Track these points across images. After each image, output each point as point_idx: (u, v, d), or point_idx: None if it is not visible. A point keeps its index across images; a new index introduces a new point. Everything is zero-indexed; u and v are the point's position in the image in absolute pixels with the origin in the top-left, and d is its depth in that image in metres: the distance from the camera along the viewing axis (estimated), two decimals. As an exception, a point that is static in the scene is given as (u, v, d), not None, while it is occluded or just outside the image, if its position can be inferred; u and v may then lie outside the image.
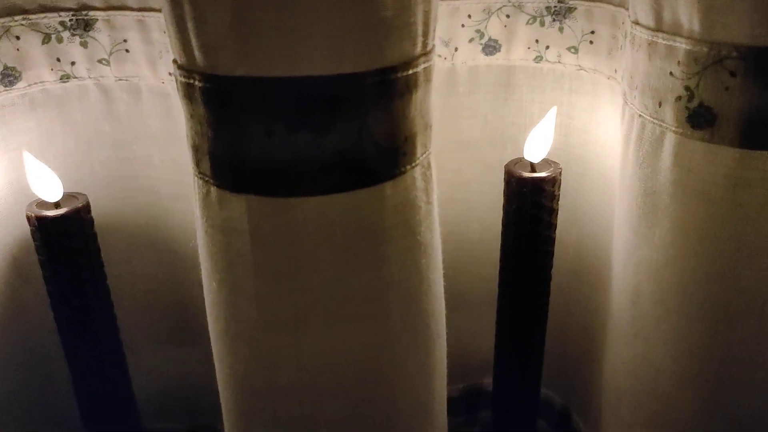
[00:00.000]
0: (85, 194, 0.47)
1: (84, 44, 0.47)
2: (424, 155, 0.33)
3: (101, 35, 0.47)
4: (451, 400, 0.64)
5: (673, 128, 0.36)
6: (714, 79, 0.33)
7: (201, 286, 0.51)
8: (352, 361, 0.33)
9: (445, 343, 0.39)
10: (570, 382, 0.59)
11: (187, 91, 0.30)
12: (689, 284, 0.37)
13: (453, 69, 0.52)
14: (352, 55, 0.28)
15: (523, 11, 0.50)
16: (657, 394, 0.41)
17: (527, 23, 0.50)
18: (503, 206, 0.49)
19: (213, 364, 0.51)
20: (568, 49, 0.50)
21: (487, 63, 0.52)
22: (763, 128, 0.33)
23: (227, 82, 0.28)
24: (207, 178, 0.31)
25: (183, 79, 0.30)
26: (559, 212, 0.50)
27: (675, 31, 0.35)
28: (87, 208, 0.46)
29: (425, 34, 0.31)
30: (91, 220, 0.47)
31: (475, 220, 0.57)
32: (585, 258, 0.54)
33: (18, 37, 0.45)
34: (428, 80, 0.32)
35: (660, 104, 0.37)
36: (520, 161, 0.49)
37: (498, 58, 0.52)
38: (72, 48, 0.47)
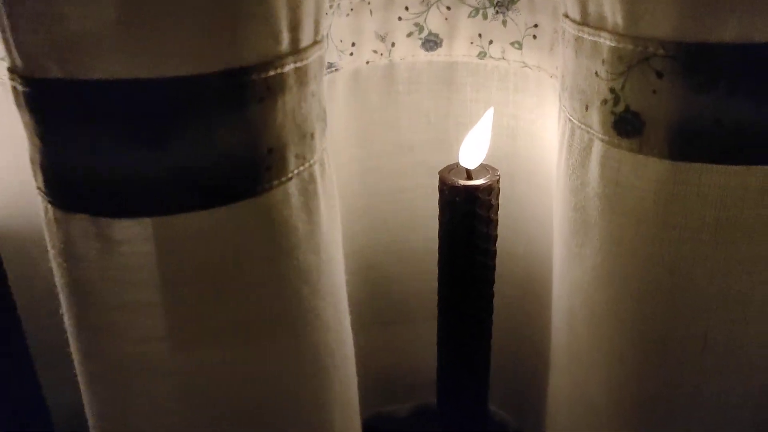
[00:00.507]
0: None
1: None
2: (303, 168, 0.29)
3: None
4: (399, 420, 0.60)
5: (600, 135, 0.32)
6: (640, 80, 0.29)
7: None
8: (230, 398, 0.29)
9: (351, 375, 0.35)
10: (523, 404, 0.55)
11: (15, 96, 0.26)
12: (620, 310, 0.33)
13: (391, 66, 0.48)
14: (191, 54, 0.24)
15: (464, 3, 0.46)
16: (593, 429, 0.37)
17: (469, 16, 0.46)
18: (439, 217, 0.45)
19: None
20: (512, 44, 0.46)
21: (427, 59, 0.48)
22: (695, 138, 0.29)
23: (44, 85, 0.24)
24: (43, 194, 0.27)
25: (10, 82, 0.26)
26: (507, 221, 0.46)
27: (599, 25, 0.31)
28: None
29: (294, 29, 0.27)
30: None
31: (419, 229, 0.53)
32: (534, 271, 0.49)
33: None
34: (304, 83, 0.28)
35: (587, 108, 0.32)
36: (455, 167, 0.44)
37: (439, 54, 0.48)
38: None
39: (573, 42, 0.33)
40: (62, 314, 0.50)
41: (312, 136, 0.30)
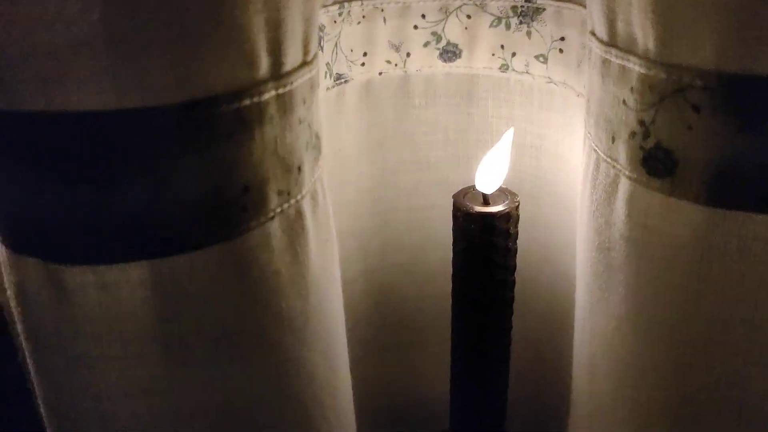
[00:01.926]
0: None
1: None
2: (288, 205, 0.26)
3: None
4: (411, 449, 0.57)
5: (626, 172, 0.28)
6: (674, 114, 0.25)
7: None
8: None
9: (347, 422, 0.32)
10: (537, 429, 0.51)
11: None
12: (647, 369, 0.29)
13: (406, 77, 0.45)
14: (141, 83, 0.21)
15: (485, 11, 0.42)
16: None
17: (491, 25, 0.43)
18: (452, 245, 0.42)
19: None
20: (537, 57, 0.42)
21: (446, 71, 0.45)
22: (735, 183, 0.25)
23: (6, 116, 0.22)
24: None
25: None
26: (530, 245, 0.42)
27: (629, 48, 0.27)
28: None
29: (275, 51, 0.24)
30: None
31: (435, 249, 0.49)
32: (558, 302, 0.46)
33: None
34: (288, 110, 0.25)
35: (613, 139, 0.29)
36: (471, 191, 0.41)
37: (458, 66, 0.44)
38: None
39: (599, 64, 0.29)
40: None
41: (299, 169, 0.26)
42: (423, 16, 0.43)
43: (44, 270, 0.23)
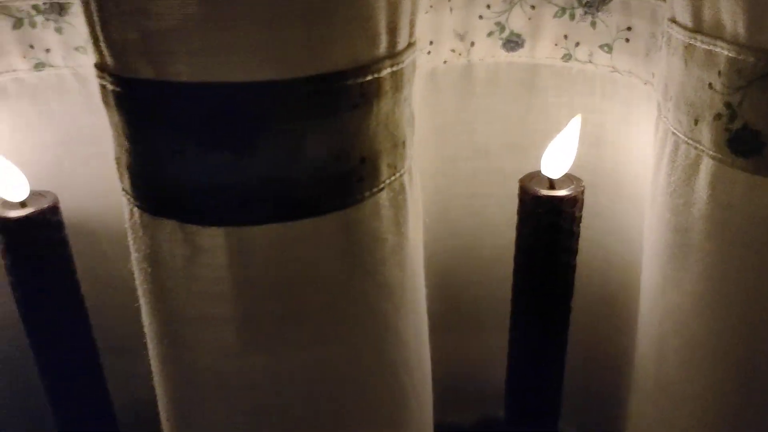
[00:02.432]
0: (54, 193, 0.43)
1: (59, 30, 0.43)
2: (394, 177, 0.27)
3: (77, 20, 0.43)
4: (463, 431, 0.58)
5: (711, 152, 0.29)
6: (762, 96, 0.26)
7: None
8: (293, 420, 0.28)
9: (427, 393, 0.34)
10: (593, 420, 0.52)
11: (103, 94, 0.25)
12: (722, 346, 0.30)
13: (469, 66, 0.46)
14: (279, 58, 0.22)
15: (550, 2, 0.43)
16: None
17: (555, 16, 0.44)
18: (517, 227, 0.43)
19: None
20: (601, 47, 0.43)
21: (508, 60, 0.46)
22: (823, 161, 0.26)
23: (134, 85, 0.23)
24: (129, 197, 0.27)
25: (98, 80, 0.25)
26: (587, 234, 0.43)
27: (716, 34, 0.28)
28: (55, 208, 0.42)
29: (392, 31, 0.25)
30: (60, 222, 0.43)
31: (491, 235, 0.51)
32: (614, 287, 0.47)
33: (-14, 22, 0.42)
34: (399, 88, 0.26)
35: (696, 122, 0.30)
36: (537, 176, 0.42)
37: (521, 55, 0.46)
38: (47, 34, 0.43)
39: (682, 50, 0.30)
40: (132, 312, 0.50)
41: (403, 144, 0.28)
42: (488, 6, 0.44)
43: (180, 231, 0.25)
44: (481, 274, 0.52)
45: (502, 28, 0.45)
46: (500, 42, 0.45)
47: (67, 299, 0.44)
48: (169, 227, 0.25)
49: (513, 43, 0.45)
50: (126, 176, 0.26)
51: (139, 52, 0.22)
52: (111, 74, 0.24)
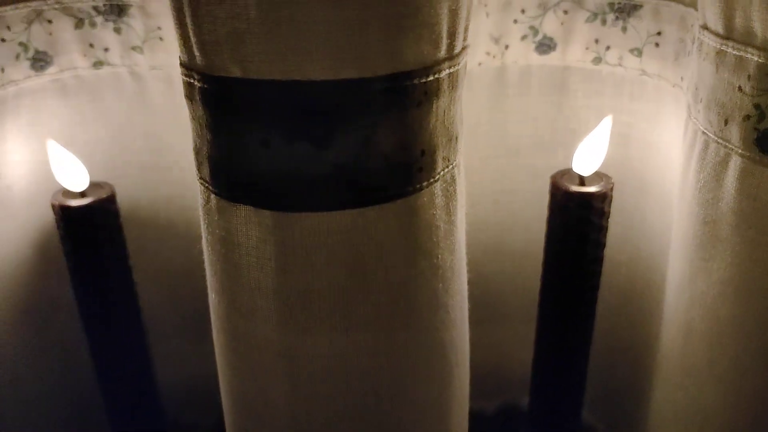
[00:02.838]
0: (111, 184, 0.46)
1: (117, 30, 0.46)
2: (447, 170, 0.30)
3: (135, 21, 0.46)
4: (484, 418, 0.61)
5: (740, 151, 0.31)
6: (790, 98, 0.29)
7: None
8: (352, 392, 0.31)
9: (467, 373, 0.36)
10: (615, 410, 0.54)
11: (188, 91, 0.28)
12: (747, 327, 0.33)
13: (503, 68, 0.48)
14: (358, 59, 0.25)
15: (583, 8, 0.46)
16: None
17: (586, 21, 0.46)
18: (547, 220, 0.45)
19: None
20: (631, 51, 0.45)
21: (540, 63, 0.48)
22: None
23: (223, 83, 0.26)
24: (207, 185, 0.29)
25: (184, 78, 0.28)
26: (612, 229, 0.46)
27: (746, 41, 0.30)
28: (112, 198, 0.45)
29: (452, 36, 0.28)
30: (117, 211, 0.45)
31: (519, 231, 0.53)
32: (638, 280, 0.49)
33: (50, 21, 0.44)
34: (454, 87, 0.29)
35: (726, 122, 0.32)
36: (568, 173, 0.45)
37: (552, 58, 0.48)
38: (105, 34, 0.46)
39: (713, 55, 0.33)
40: (177, 295, 0.53)
41: (456, 139, 0.30)
42: (523, 11, 0.47)
43: (257, 216, 0.27)
44: (507, 267, 0.54)
45: (536, 32, 0.47)
46: (533, 45, 0.48)
47: (120, 283, 0.47)
48: (245, 212, 0.28)
49: (545, 46, 0.48)
50: (205, 166, 0.29)
51: (229, 53, 0.25)
52: (199, 72, 0.27)
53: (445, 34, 0.27)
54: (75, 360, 0.51)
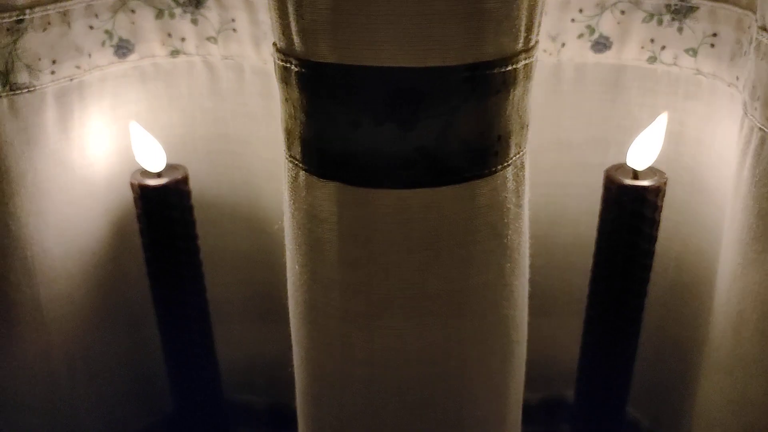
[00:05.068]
0: (184, 166, 0.48)
1: (194, 21, 0.48)
2: (518, 155, 0.32)
3: (211, 13, 0.48)
4: (528, 409, 0.62)
5: (797, 146, 0.33)
6: None
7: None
8: (422, 361, 0.33)
9: (524, 352, 0.38)
10: (659, 404, 0.55)
11: (284, 75, 0.30)
12: None
13: (558, 65, 0.50)
14: (443, 48, 0.27)
15: (640, 8, 0.47)
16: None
17: (643, 21, 0.48)
18: (600, 213, 0.47)
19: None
20: (686, 51, 0.47)
21: (595, 61, 0.50)
22: None
23: (320, 68, 0.28)
24: (297, 162, 0.31)
25: (280, 63, 0.30)
26: (661, 224, 0.47)
27: (808, 40, 0.32)
28: (186, 180, 0.48)
29: (528, 30, 0.30)
30: (189, 192, 0.48)
31: (568, 224, 0.54)
32: (686, 275, 0.50)
33: (133, 11, 0.47)
34: (528, 77, 0.31)
35: (784, 119, 0.33)
36: (621, 167, 0.46)
37: (608, 57, 0.49)
38: (183, 24, 0.49)
39: (773, 55, 0.34)
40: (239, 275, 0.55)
41: (527, 127, 0.32)
42: (580, 10, 0.48)
43: (344, 192, 0.30)
44: (555, 261, 0.56)
45: (592, 31, 0.49)
46: (589, 44, 0.49)
47: (189, 261, 0.50)
48: (333, 188, 0.30)
49: (601, 45, 0.49)
50: (297, 144, 0.31)
51: (328, 40, 0.27)
52: (297, 58, 0.29)
53: (523, 28, 0.29)
54: (142, 335, 0.54)
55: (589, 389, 0.53)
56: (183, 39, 0.49)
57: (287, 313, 0.54)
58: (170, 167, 0.48)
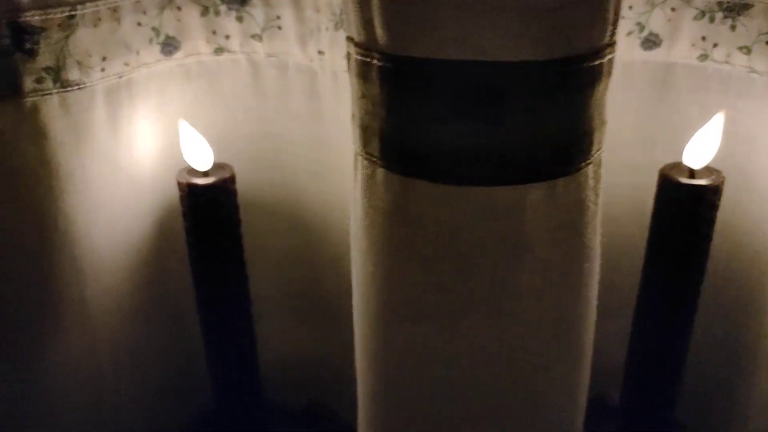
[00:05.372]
0: (230, 165, 0.48)
1: (239, 19, 0.48)
2: (598, 153, 0.31)
3: (256, 11, 0.48)
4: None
5: None
6: None
7: (333, 266, 0.52)
8: (500, 362, 0.32)
9: (591, 354, 0.37)
10: (706, 409, 0.55)
11: (363, 70, 0.30)
12: None
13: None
14: (536, 42, 0.26)
15: (690, 5, 0.47)
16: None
17: (694, 18, 0.47)
18: (653, 212, 0.46)
19: (337, 343, 0.52)
20: (740, 48, 0.46)
21: (644, 58, 0.49)
22: None
23: (406, 62, 0.27)
24: (374, 159, 0.31)
25: (360, 57, 0.30)
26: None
27: None
28: (233, 179, 0.47)
29: (614, 23, 0.29)
30: (236, 192, 0.48)
31: (614, 224, 0.54)
32: (737, 275, 0.50)
33: (179, 8, 0.47)
34: (610, 73, 0.30)
35: None
36: (676, 166, 0.45)
37: (657, 54, 0.49)
38: (228, 22, 0.48)
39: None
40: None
41: (605, 123, 0.32)
42: (630, 7, 0.48)
43: (428, 190, 0.29)
44: (604, 261, 0.55)
45: (642, 28, 0.48)
46: (638, 41, 0.49)
47: (233, 260, 0.49)
48: (416, 186, 0.29)
49: (651, 42, 0.49)
50: (375, 141, 0.30)
51: (418, 34, 0.27)
52: (381, 52, 0.28)
53: (610, 22, 0.28)
54: (183, 332, 0.54)
55: (635, 391, 0.52)
56: (227, 37, 0.48)
57: (328, 312, 0.54)
58: (217, 166, 0.47)
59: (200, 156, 0.46)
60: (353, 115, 0.32)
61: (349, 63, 0.31)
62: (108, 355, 0.48)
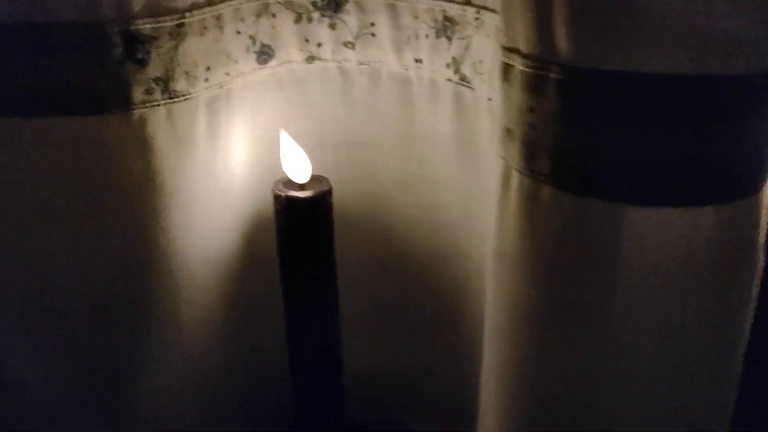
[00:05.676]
0: (327, 177, 0.46)
1: (332, 26, 0.46)
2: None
3: (350, 18, 0.46)
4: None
5: None
6: None
7: (419, 281, 0.50)
8: (653, 397, 0.31)
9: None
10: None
11: (534, 83, 0.28)
12: None
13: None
14: (743, 54, 0.25)
15: None
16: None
17: None
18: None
19: (417, 361, 0.51)
20: None
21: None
22: None
23: (593, 76, 0.26)
24: (541, 177, 0.29)
25: (530, 70, 0.28)
26: None
27: None
28: (331, 192, 0.45)
29: None
30: (332, 205, 0.46)
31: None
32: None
33: (274, 15, 0.45)
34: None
35: None
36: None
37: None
38: (320, 29, 0.47)
39: None
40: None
41: None
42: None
43: (603, 210, 0.28)
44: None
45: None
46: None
47: (325, 275, 0.48)
48: (596, 206, 0.28)
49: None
50: (543, 158, 0.29)
51: (611, 46, 0.25)
52: (561, 65, 0.27)
53: None
54: (264, 347, 0.52)
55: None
56: (319, 44, 0.47)
57: (415, 326, 0.52)
58: (314, 178, 0.45)
59: (299, 168, 0.44)
60: (508, 130, 0.30)
61: (512, 77, 0.29)
62: (197, 374, 0.47)
